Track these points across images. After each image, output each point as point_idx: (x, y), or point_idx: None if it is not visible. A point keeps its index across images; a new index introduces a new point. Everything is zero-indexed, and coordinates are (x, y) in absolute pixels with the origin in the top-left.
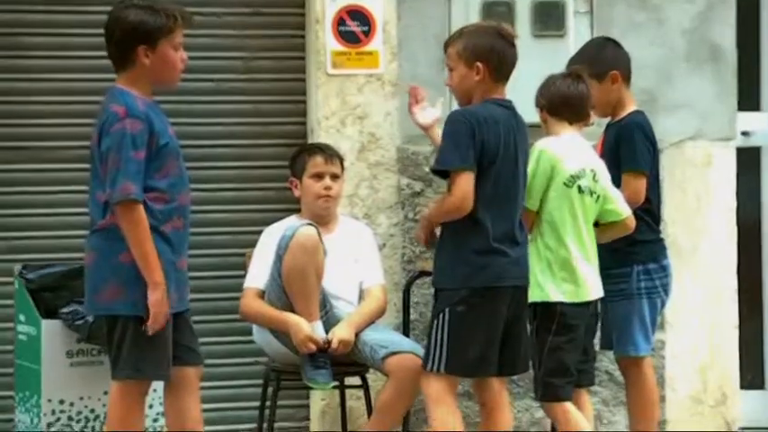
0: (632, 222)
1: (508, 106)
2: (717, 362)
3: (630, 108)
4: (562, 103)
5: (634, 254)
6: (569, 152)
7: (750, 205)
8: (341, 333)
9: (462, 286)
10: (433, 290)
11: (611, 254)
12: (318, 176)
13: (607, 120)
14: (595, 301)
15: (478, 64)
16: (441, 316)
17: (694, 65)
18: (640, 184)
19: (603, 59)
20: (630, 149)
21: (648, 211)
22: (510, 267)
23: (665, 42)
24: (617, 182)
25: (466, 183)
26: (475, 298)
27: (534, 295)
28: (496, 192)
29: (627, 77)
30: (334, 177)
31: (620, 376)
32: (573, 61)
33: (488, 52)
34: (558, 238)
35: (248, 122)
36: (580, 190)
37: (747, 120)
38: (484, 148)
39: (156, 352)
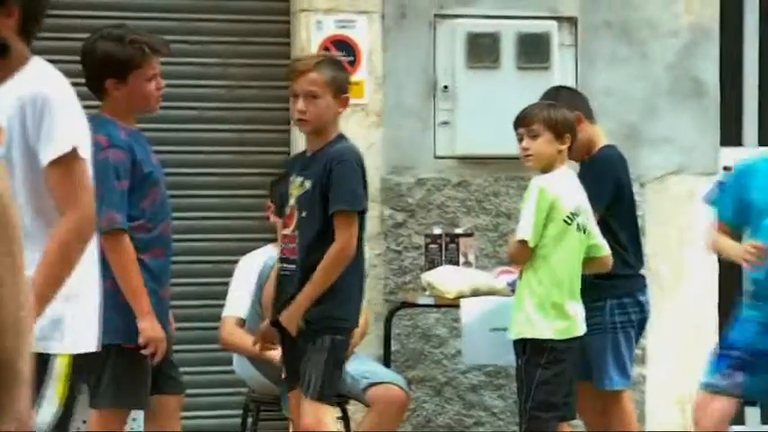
0: (610, 260)
1: None
2: None
3: (601, 143)
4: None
5: (609, 288)
6: (565, 189)
7: None
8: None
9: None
10: (411, 321)
11: (586, 287)
12: None
13: None
14: (581, 337)
15: None
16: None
17: (677, 99)
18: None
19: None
20: (594, 186)
21: (622, 246)
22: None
23: (649, 76)
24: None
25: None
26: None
27: (525, 332)
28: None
29: (588, 117)
30: None
31: None
32: None
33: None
34: (551, 274)
35: (232, 151)
36: (578, 227)
37: (730, 155)
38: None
39: (136, 380)
